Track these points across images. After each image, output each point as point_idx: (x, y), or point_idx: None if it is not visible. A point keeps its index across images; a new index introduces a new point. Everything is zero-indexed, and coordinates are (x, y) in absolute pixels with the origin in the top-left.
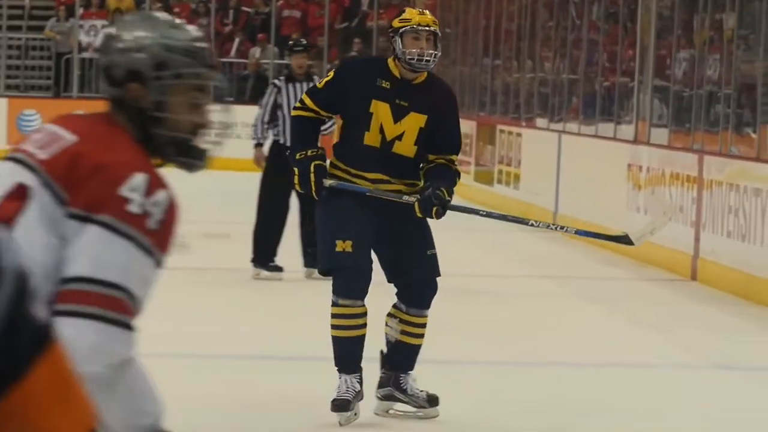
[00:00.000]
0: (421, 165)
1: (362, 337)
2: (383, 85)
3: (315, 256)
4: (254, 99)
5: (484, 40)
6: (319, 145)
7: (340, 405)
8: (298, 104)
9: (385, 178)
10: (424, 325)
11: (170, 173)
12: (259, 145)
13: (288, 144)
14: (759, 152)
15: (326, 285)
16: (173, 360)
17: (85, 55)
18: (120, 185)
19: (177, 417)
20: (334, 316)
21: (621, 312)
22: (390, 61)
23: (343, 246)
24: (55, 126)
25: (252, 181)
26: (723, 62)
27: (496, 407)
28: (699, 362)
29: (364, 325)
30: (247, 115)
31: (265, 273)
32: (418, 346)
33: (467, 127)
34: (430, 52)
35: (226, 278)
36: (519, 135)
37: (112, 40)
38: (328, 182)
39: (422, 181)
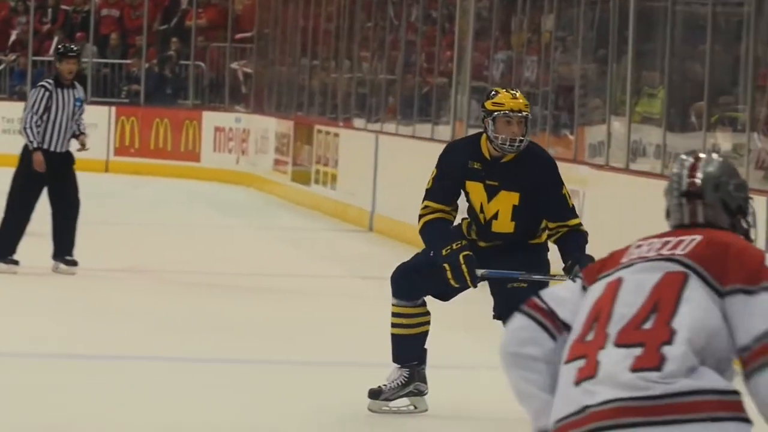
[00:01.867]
0: (549, 233)
1: (409, 337)
2: (475, 166)
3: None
4: None
5: (302, 41)
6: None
7: (373, 392)
8: (422, 212)
9: (499, 243)
10: None
11: None
12: (37, 149)
13: (51, 149)
14: (576, 154)
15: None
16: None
17: None
18: (764, 260)
19: None
20: (393, 314)
21: (435, 314)
22: (483, 141)
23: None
24: (663, 237)
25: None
26: (541, 64)
27: (326, 408)
28: None
29: (415, 326)
30: None
31: (2, 266)
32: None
33: (285, 127)
34: (521, 138)
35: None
36: (336, 135)
37: (723, 178)
38: (480, 272)
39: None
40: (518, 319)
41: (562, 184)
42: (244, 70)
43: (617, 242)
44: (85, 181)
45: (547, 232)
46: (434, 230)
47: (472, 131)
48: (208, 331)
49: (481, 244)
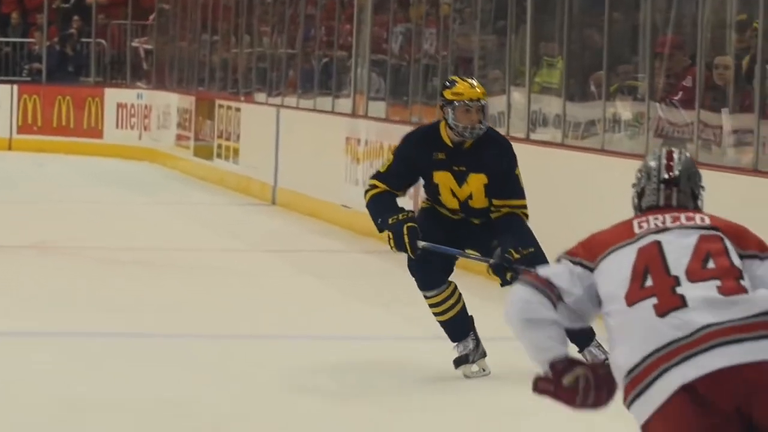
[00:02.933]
0: (492, 210)
1: (457, 315)
2: (439, 157)
3: None
4: None
5: (202, 17)
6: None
7: (460, 360)
8: (368, 187)
9: (475, 221)
10: None
11: None
12: None
13: None
14: None
15: None
16: None
17: None
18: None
19: None
20: (429, 305)
21: (339, 285)
22: (442, 128)
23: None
24: (663, 214)
25: None
26: (440, 36)
27: (224, 382)
28: (418, 334)
29: (448, 310)
30: None
31: None
32: None
33: (186, 102)
34: (480, 124)
35: None
36: (238, 110)
37: (693, 170)
38: (421, 243)
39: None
40: (523, 291)
41: (517, 165)
42: (144, 47)
43: None
44: None
45: (491, 208)
46: (382, 202)
47: (372, 104)
48: (116, 306)
49: (475, 221)
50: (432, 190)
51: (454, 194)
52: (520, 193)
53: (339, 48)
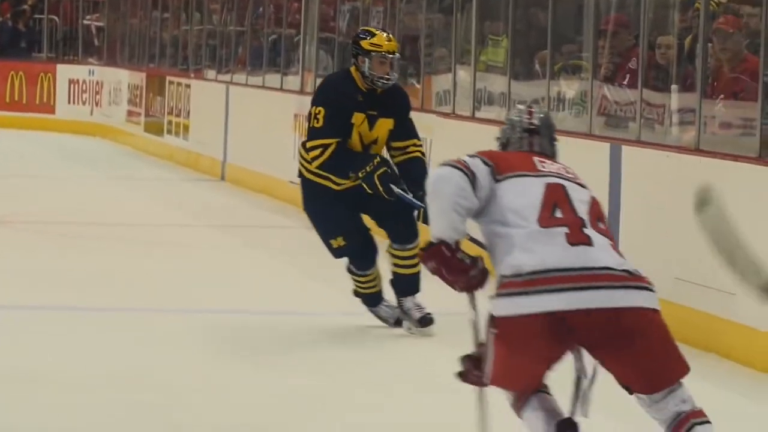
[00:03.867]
0: (395, 153)
1: (379, 291)
2: (360, 98)
3: None
4: None
5: None
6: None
7: (400, 321)
8: (318, 149)
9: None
10: (412, 257)
11: None
12: None
13: None
14: (423, 103)
15: None
16: None
17: None
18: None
19: None
20: (354, 280)
21: (287, 261)
22: (354, 73)
23: (337, 243)
24: (540, 157)
25: None
26: (387, 14)
27: (174, 355)
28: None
29: (378, 283)
30: None
31: None
32: (414, 275)
33: (137, 78)
34: (392, 74)
35: None
36: (188, 86)
37: (550, 121)
38: (396, 189)
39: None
40: (459, 177)
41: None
42: (96, 24)
43: None
44: None
45: (392, 152)
46: (340, 159)
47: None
48: (67, 280)
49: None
50: (343, 133)
51: (361, 138)
52: (417, 133)
53: (287, 26)
